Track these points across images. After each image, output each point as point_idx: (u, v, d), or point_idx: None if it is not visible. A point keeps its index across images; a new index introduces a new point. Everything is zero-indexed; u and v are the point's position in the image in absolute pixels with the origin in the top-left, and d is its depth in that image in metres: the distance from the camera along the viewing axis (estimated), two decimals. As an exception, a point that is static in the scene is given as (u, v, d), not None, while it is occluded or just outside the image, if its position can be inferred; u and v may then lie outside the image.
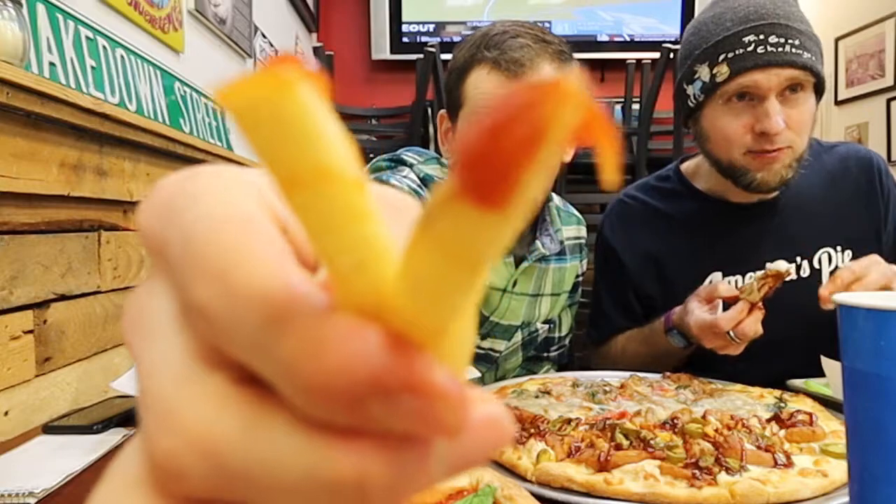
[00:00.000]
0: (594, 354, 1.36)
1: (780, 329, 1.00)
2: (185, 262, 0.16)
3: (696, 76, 1.10)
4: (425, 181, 1.11)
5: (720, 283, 1.03)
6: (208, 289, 0.15)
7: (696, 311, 1.01)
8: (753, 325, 0.96)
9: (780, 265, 0.96)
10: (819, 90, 1.07)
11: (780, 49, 1.02)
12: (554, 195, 1.29)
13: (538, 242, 1.19)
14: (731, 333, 0.96)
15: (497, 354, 1.24)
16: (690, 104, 1.13)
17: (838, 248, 1.15)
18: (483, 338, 1.23)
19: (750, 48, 1.03)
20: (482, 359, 1.24)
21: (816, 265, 1.15)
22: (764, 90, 1.03)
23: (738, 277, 1.16)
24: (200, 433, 0.15)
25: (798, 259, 1.15)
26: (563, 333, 1.37)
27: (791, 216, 1.16)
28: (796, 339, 1.05)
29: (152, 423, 0.15)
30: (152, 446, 0.15)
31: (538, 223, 1.20)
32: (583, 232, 1.33)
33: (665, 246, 1.22)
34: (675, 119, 3.06)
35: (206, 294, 0.15)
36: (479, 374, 1.06)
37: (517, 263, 1.17)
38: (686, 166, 1.29)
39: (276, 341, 0.14)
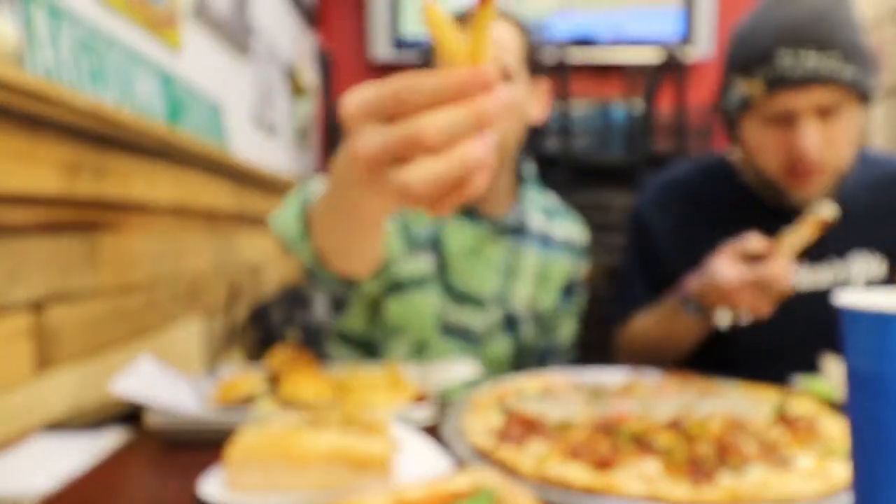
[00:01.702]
0: (615, 336, 1.33)
1: (801, 336, 0.98)
2: None
3: (734, 88, 1.07)
4: None
5: (751, 237, 0.99)
6: None
7: (729, 268, 0.97)
8: (791, 277, 0.95)
9: (825, 210, 0.94)
10: (868, 100, 1.02)
11: (817, 66, 0.96)
12: (541, 190, 1.33)
13: (500, 212, 1.23)
14: (768, 281, 0.95)
15: (474, 329, 1.24)
16: (730, 114, 1.10)
17: (874, 254, 1.13)
18: (456, 306, 1.23)
19: (786, 66, 0.97)
20: (461, 335, 1.24)
21: (851, 269, 1.13)
22: (799, 110, 0.99)
23: None
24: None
25: (834, 259, 1.13)
26: (563, 342, 1.38)
27: (832, 222, 1.11)
28: (812, 347, 1.03)
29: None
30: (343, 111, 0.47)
31: (501, 193, 1.23)
32: (581, 237, 1.34)
33: (700, 232, 1.18)
34: (675, 119, 3.06)
35: None
36: (480, 372, 1.05)
37: (478, 231, 1.22)
38: (734, 156, 1.26)
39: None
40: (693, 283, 1.07)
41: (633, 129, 3.41)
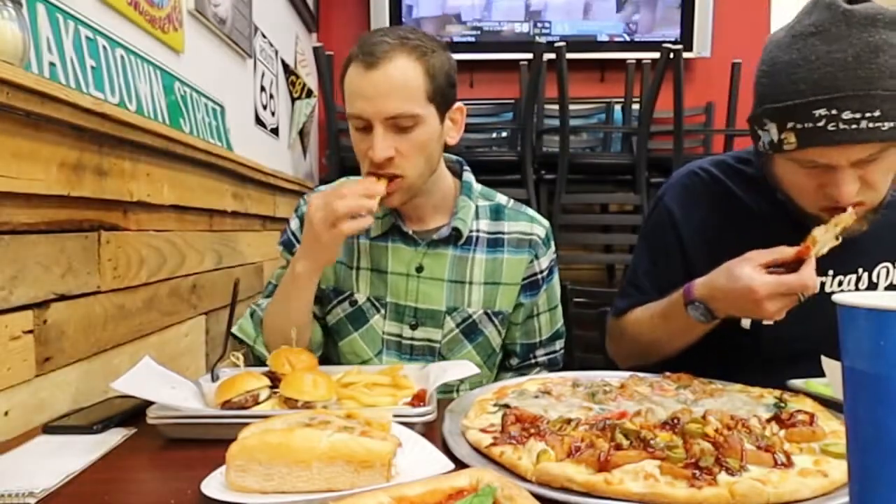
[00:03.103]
0: (610, 328, 1.31)
1: (813, 340, 0.98)
2: None
3: (766, 128, 1.01)
4: (303, 220, 1.24)
5: (781, 248, 0.99)
6: None
7: (761, 277, 0.96)
8: (816, 284, 0.96)
9: (846, 217, 0.95)
10: None
11: (853, 126, 0.91)
12: (476, 189, 1.32)
13: (431, 227, 1.26)
14: (802, 296, 0.96)
15: (436, 345, 1.25)
16: (761, 148, 1.05)
17: None
18: (414, 328, 1.25)
19: (821, 123, 0.92)
20: (426, 352, 1.25)
21: (875, 279, 1.13)
22: (834, 163, 0.96)
23: None
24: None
25: (860, 271, 1.12)
26: (543, 338, 1.36)
27: (860, 234, 1.07)
28: (821, 351, 1.03)
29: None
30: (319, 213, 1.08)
31: (428, 212, 1.26)
32: (537, 230, 1.31)
33: (726, 229, 1.15)
34: (674, 119, 3.06)
35: None
36: (478, 371, 1.05)
37: (415, 252, 1.25)
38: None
39: None
40: (705, 287, 1.05)
41: (632, 129, 3.41)
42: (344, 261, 1.27)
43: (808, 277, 0.95)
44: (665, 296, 1.18)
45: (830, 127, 0.92)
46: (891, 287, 1.13)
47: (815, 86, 0.93)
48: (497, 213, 1.31)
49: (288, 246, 1.31)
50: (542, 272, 1.31)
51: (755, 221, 1.12)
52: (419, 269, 1.24)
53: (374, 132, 1.10)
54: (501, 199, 1.34)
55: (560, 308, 1.40)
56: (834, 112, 0.91)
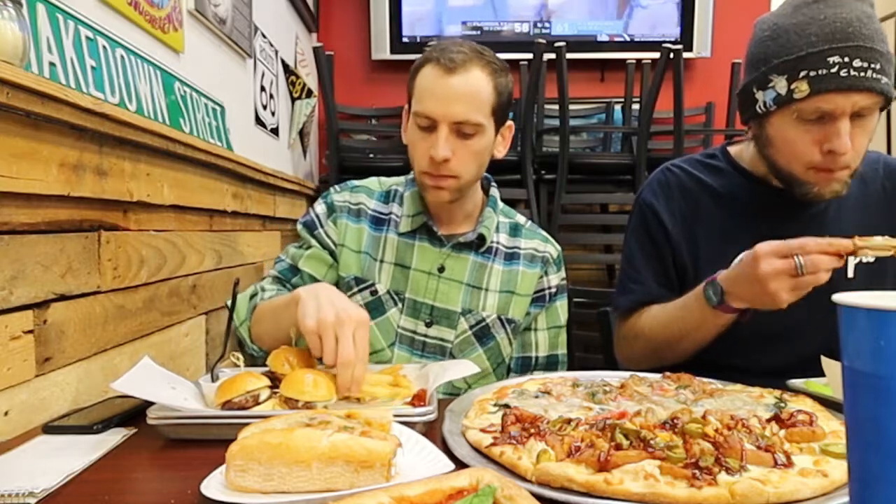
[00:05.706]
0: (618, 327, 1.35)
1: (800, 313, 1.00)
2: None
3: (771, 85, 1.08)
4: (331, 207, 1.34)
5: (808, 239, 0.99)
6: None
7: (766, 244, 0.98)
8: (829, 265, 0.95)
9: None
10: (888, 105, 1.08)
11: (862, 74, 1.01)
12: (500, 205, 1.38)
13: (458, 232, 1.31)
14: (801, 260, 0.95)
15: (448, 344, 1.28)
16: (759, 109, 1.12)
17: None
18: (428, 325, 1.28)
19: (834, 69, 1.02)
20: (436, 350, 1.28)
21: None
22: (839, 112, 1.03)
23: None
24: None
25: None
26: (539, 354, 1.37)
27: (825, 207, 1.21)
28: (811, 326, 1.04)
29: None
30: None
31: (459, 218, 1.33)
32: (549, 249, 1.37)
33: (702, 215, 1.26)
34: (674, 119, 3.06)
35: None
36: (479, 370, 1.05)
37: (439, 252, 1.29)
38: (732, 148, 1.32)
39: None
40: (727, 270, 1.07)
41: (632, 129, 3.41)
42: (370, 252, 1.30)
43: (809, 241, 0.95)
44: (664, 286, 1.26)
45: (843, 73, 1.01)
46: (860, 264, 1.19)
47: (828, 38, 1.02)
48: (515, 230, 1.38)
49: (310, 227, 1.33)
50: (549, 288, 1.36)
51: (724, 202, 1.25)
52: (441, 269, 1.29)
53: (437, 132, 1.17)
54: (520, 218, 1.41)
55: (564, 336, 1.41)
56: (846, 59, 1.01)
